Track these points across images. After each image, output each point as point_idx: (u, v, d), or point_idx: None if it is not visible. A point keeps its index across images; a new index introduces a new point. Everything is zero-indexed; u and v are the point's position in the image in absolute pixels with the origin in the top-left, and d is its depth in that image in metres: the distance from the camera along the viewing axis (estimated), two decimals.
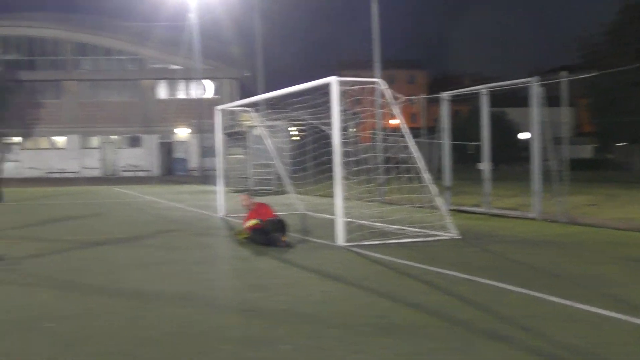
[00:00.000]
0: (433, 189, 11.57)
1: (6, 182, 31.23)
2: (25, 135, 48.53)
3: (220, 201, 16.29)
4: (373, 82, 12.22)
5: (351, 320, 5.84)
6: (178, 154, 51.23)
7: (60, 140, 51.16)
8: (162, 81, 52.27)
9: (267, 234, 10.53)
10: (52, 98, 50.96)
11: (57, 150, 50.66)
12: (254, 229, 10.71)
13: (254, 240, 10.60)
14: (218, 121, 16.73)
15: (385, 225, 12.34)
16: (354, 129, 16.96)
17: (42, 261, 9.45)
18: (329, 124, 13.01)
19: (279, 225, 10.70)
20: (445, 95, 16.64)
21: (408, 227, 12.05)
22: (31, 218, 16.67)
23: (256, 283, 7.61)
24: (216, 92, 51.69)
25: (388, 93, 11.39)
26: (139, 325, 5.78)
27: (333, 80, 10.66)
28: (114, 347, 5.12)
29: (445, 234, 11.44)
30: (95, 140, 51.33)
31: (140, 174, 49.08)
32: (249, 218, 10.92)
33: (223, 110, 17.08)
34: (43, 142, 50.49)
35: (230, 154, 27.93)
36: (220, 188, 16.52)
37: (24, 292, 7.38)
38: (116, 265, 9.02)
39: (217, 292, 7.19)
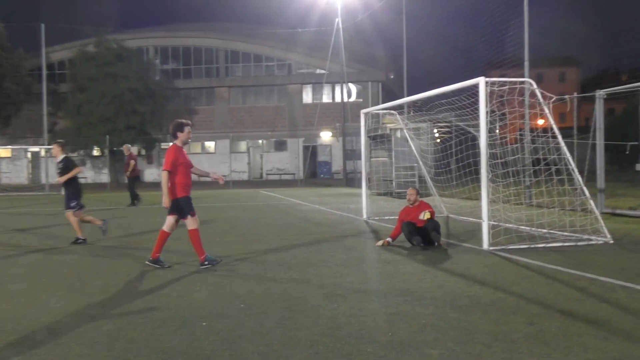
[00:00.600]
0: (585, 191, 11.03)
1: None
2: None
3: (364, 203, 16.38)
4: (522, 82, 11.84)
5: (500, 327, 5.68)
6: (322, 157, 52.11)
7: (211, 144, 53.52)
8: (308, 85, 53.38)
9: (427, 233, 10.67)
10: (205, 104, 53.54)
11: (208, 155, 53.03)
12: (410, 225, 10.87)
13: (410, 236, 10.72)
14: (363, 124, 16.82)
15: (533, 228, 11.91)
16: (500, 130, 16.48)
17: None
18: (475, 126, 12.81)
19: (438, 226, 10.81)
20: (601, 93, 15.80)
21: (558, 231, 11.59)
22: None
23: (401, 287, 7.59)
24: (360, 95, 52.11)
25: (537, 93, 11.00)
26: (288, 326, 5.93)
27: (481, 81, 10.44)
28: (265, 347, 5.29)
29: (598, 239, 10.90)
30: (243, 145, 53.27)
31: (286, 177, 50.42)
32: (409, 215, 11.11)
33: (368, 114, 17.16)
34: (195, 147, 52.96)
35: (374, 157, 28.07)
36: (364, 190, 16.62)
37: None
38: (266, 266, 9.31)
39: (362, 294, 7.23)
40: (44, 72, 43.15)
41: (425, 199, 12.00)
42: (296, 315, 6.30)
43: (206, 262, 9.19)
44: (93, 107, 44.33)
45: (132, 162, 22.85)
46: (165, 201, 9.02)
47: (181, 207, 9.15)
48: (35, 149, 46.40)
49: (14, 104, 46.01)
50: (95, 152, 47.86)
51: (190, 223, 9.20)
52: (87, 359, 5.08)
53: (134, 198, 22.65)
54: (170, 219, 9.28)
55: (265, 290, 7.50)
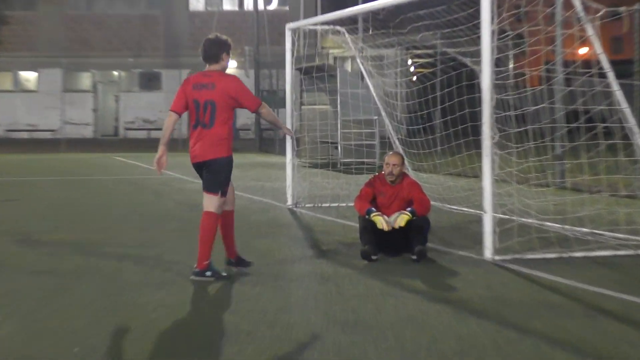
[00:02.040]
0: None
1: None
2: None
3: (289, 181, 16.40)
4: None
5: None
6: None
7: (31, 77, 52.65)
8: None
9: (401, 238, 10.68)
10: (21, 9, 52.53)
11: (26, 94, 52.40)
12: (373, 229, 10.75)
13: (371, 248, 10.60)
14: (289, 47, 16.78)
15: (565, 226, 12.12)
16: (516, 63, 16.67)
17: None
18: (474, 55, 12.91)
19: (425, 227, 10.87)
20: None
21: (606, 230, 11.82)
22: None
23: (348, 318, 7.61)
24: (282, 1, 52.12)
25: (578, 2, 11.14)
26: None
27: None
28: None
29: None
30: (86, 79, 52.61)
31: (157, 133, 50.08)
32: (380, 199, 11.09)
33: (297, 30, 17.12)
34: (4, 80, 52.06)
35: (307, 104, 28.12)
36: (290, 159, 16.60)
37: None
38: (123, 280, 9.25)
39: (281, 330, 7.23)
40: None
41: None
42: None
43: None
44: None
45: None
46: None
47: None
48: None
49: None
50: None
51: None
52: None
53: None
54: None
55: (124, 322, 7.44)
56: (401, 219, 10.39)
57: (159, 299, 8.40)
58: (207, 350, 6.66)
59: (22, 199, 18.12)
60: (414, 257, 10.52)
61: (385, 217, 10.50)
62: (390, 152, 11.45)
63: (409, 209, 10.55)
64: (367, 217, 10.63)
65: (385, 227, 10.42)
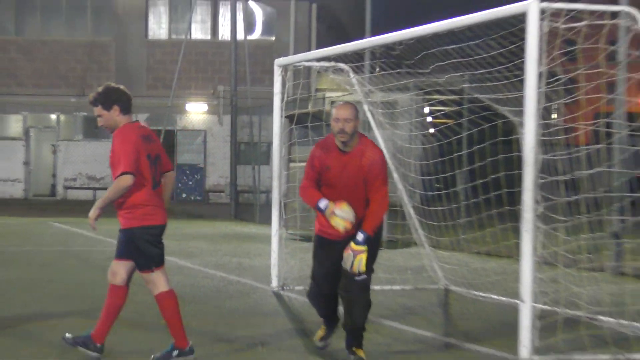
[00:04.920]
0: None
1: None
2: None
3: (275, 257, 16.50)
4: (621, 14, 12.18)
5: None
6: (186, 156, 52.11)
7: None
8: (160, 4, 53.39)
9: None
10: None
11: None
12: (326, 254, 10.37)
13: (319, 295, 10.64)
14: (277, 90, 16.95)
15: (623, 321, 12.23)
16: (565, 114, 16.80)
17: None
18: (515, 104, 13.09)
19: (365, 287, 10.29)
20: None
21: None
22: None
23: None
24: (270, 28, 52.47)
25: None
26: None
27: (531, 7, 10.69)
28: None
29: None
30: (15, 123, 52.80)
31: (104, 192, 50.07)
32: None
33: (288, 68, 17.30)
34: None
35: (298, 160, 28.29)
36: (276, 229, 16.74)
37: None
38: None
39: None
40: None
41: (404, 250, 12.24)
42: None
43: None
44: None
45: None
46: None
47: None
48: None
49: None
50: None
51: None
52: None
53: None
54: None
55: None
56: (360, 264, 9.69)
57: None
58: None
59: None
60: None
61: (341, 212, 9.77)
62: (340, 103, 10.56)
63: (360, 236, 9.75)
64: (321, 212, 9.94)
65: (346, 229, 9.79)
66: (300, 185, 10.24)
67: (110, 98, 10.22)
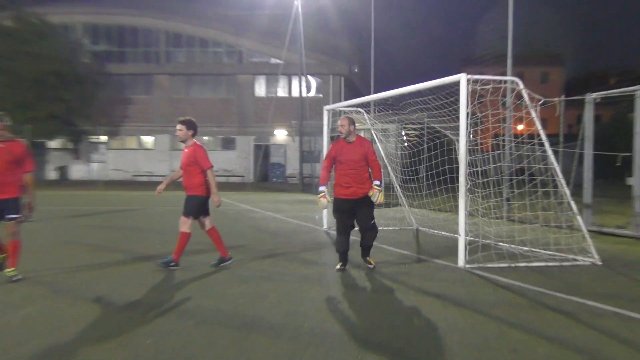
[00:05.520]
0: (572, 206, 11.31)
1: (91, 184, 32.70)
2: (112, 134, 50.47)
3: (325, 212, 16.47)
4: (507, 81, 12.08)
5: (481, 354, 5.84)
6: (275, 158, 52.08)
7: (149, 140, 52.97)
8: (260, 76, 53.27)
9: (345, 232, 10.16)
10: (142, 93, 52.91)
11: (145, 151, 52.52)
12: (346, 213, 10.08)
13: (343, 240, 10.16)
14: (325, 123, 16.93)
15: (513, 246, 12.16)
16: (477, 135, 16.74)
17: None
18: (452, 128, 13.00)
19: (373, 231, 10.21)
20: (593, 96, 16.16)
21: (541, 249, 11.86)
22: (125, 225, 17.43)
23: (370, 306, 7.71)
24: (320, 89, 52.24)
25: (525, 94, 11.23)
26: (244, 346, 6.00)
27: (462, 78, 10.61)
28: None
29: (585, 259, 11.18)
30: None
31: (234, 179, 50.25)
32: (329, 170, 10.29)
33: (331, 111, 17.27)
34: (131, 142, 52.41)
35: None
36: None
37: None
38: (216, 280, 9.35)
39: (326, 314, 7.31)
40: None
41: (393, 209, 12.11)
42: (253, 334, 6.36)
43: (172, 263, 10.12)
44: (9, 91, 43.51)
45: None
46: (218, 201, 10.43)
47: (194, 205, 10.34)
48: None
49: None
50: None
51: (187, 226, 10.24)
52: None
53: None
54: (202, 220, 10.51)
55: (216, 308, 7.54)
56: (380, 197, 9.78)
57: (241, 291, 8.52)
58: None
59: (157, 225, 18.26)
60: (370, 265, 10.28)
61: (324, 200, 9.99)
62: (341, 117, 10.72)
63: (376, 182, 9.85)
64: (319, 192, 10.04)
65: (320, 207, 10.24)
66: (322, 166, 10.28)
67: (192, 124, 10.43)
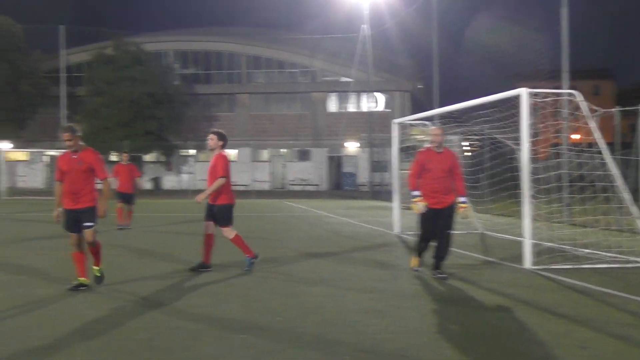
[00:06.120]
0: (634, 210, 10.92)
1: (181, 193, 33.26)
2: (199, 148, 51.26)
3: (396, 217, 16.36)
4: (568, 94, 11.78)
5: (552, 350, 5.66)
6: (347, 168, 52.09)
7: (232, 153, 53.58)
8: (332, 94, 53.44)
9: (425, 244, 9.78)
10: (225, 111, 53.68)
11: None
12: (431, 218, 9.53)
13: (426, 239, 9.72)
14: (395, 135, 16.83)
15: (576, 248, 11.82)
16: (536, 145, 16.40)
17: (227, 274, 10.01)
18: (514, 139, 12.77)
19: (447, 242, 9.62)
20: None
21: (603, 251, 11.50)
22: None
23: (442, 305, 7.60)
24: (387, 105, 52.05)
25: (583, 106, 10.93)
26: (329, 341, 5.97)
27: (523, 92, 10.42)
28: None
29: None
30: (265, 154, 53.36)
31: (309, 188, 50.47)
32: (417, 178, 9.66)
33: (399, 124, 17.15)
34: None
35: (401, 169, 27.96)
36: (395, 204, 16.61)
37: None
38: (299, 279, 9.35)
39: (402, 311, 7.23)
40: (63, 75, 43.78)
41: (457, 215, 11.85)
42: (335, 330, 6.33)
43: (252, 260, 10.17)
44: (110, 111, 44.99)
45: None
46: (202, 197, 10.08)
47: (225, 214, 10.13)
48: (53, 152, 46.93)
49: (30, 106, 46.72)
50: (113, 157, 48.29)
51: (231, 232, 10.15)
52: None
53: None
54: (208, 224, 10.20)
55: (301, 304, 7.54)
56: (468, 213, 9.54)
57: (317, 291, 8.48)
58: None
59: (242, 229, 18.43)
60: (442, 275, 9.47)
61: (421, 204, 9.40)
62: (433, 127, 10.20)
63: (463, 199, 9.51)
64: (413, 196, 9.49)
65: (416, 211, 9.54)
66: (410, 173, 9.69)
67: (223, 136, 10.14)
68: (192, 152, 50.97)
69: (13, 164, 48.49)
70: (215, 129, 10.45)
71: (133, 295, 8.11)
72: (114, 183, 16.77)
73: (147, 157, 49.90)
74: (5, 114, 45.89)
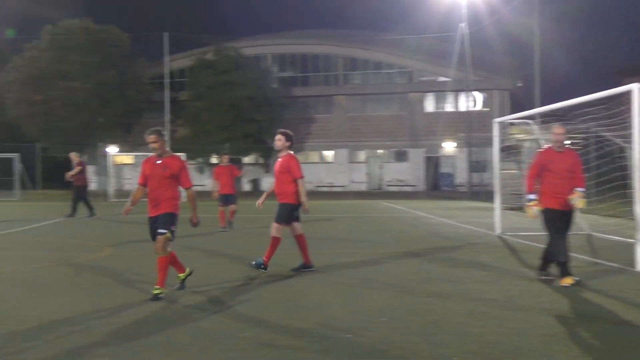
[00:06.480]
0: None
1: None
2: (298, 150, 51.72)
3: (497, 218, 16.07)
4: None
5: None
6: (445, 168, 51.49)
7: (329, 154, 53.99)
8: (429, 94, 52.97)
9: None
10: (322, 113, 54.08)
11: (326, 164, 53.53)
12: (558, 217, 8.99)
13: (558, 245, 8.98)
14: (495, 134, 16.52)
15: None
16: None
17: (337, 268, 10.10)
18: (624, 136, 12.31)
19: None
20: None
21: None
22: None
23: (551, 306, 7.42)
24: (485, 104, 51.16)
25: None
26: (435, 342, 5.94)
27: (635, 88, 10.03)
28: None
29: None
30: (362, 155, 53.39)
31: (406, 188, 50.17)
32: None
33: (498, 123, 16.83)
34: (313, 156, 53.64)
35: (501, 169, 27.45)
36: (497, 205, 16.31)
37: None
38: (401, 280, 9.33)
39: (508, 313, 7.11)
40: (167, 81, 45.34)
41: None
42: (441, 331, 6.29)
43: (262, 266, 9.85)
44: (211, 115, 46.31)
45: (79, 167, 21.55)
46: (307, 205, 10.03)
47: (285, 212, 10.04)
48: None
49: (135, 111, 48.58)
50: (214, 160, 49.55)
51: (278, 231, 10.01)
52: None
53: (90, 209, 21.85)
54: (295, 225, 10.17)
55: (405, 305, 7.53)
56: (582, 202, 8.86)
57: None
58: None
59: (340, 230, 18.53)
60: (548, 277, 9.17)
61: (535, 209, 9.00)
62: (556, 125, 9.36)
63: (581, 189, 8.93)
64: (529, 199, 9.08)
65: (530, 216, 9.20)
66: (528, 174, 9.32)
67: (290, 137, 10.14)
68: None
69: (120, 167, 50.40)
70: (282, 129, 10.39)
71: (242, 296, 8.31)
72: (215, 185, 17.17)
73: (246, 159, 50.87)
74: (113, 119, 47.87)
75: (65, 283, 9.20)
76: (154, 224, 8.05)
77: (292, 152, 10.20)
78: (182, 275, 8.45)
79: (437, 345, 5.81)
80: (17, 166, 37.97)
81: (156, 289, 7.91)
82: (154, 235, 8.05)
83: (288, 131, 10.26)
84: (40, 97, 45.58)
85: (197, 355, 5.58)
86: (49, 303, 7.77)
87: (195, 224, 8.22)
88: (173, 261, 8.28)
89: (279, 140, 10.12)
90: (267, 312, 7.18)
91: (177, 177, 8.08)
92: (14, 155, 37.61)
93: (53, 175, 22.53)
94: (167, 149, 8.23)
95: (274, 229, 9.97)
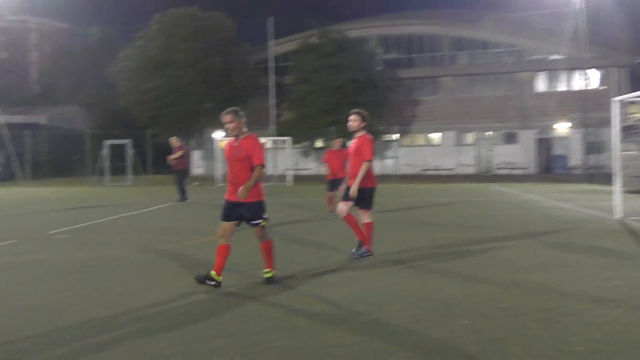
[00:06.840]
0: None
1: (386, 178, 33.70)
2: (403, 132, 51.42)
3: (618, 201, 15.39)
4: None
5: None
6: (557, 150, 49.84)
7: (436, 136, 53.34)
8: (541, 73, 51.33)
9: None
10: (428, 94, 53.41)
11: (433, 147, 52.88)
12: None
13: None
14: (615, 114, 15.79)
15: None
16: None
17: (443, 256, 9.98)
18: None
19: None
20: None
21: None
22: (427, 214, 17.68)
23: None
24: (602, 82, 49.11)
25: None
26: (557, 329, 5.75)
27: None
28: (536, 351, 5.16)
29: None
30: (470, 137, 52.44)
31: (516, 171, 48.95)
32: None
33: (618, 102, 16.07)
34: (419, 139, 53.16)
35: (621, 150, 26.31)
36: (617, 187, 15.62)
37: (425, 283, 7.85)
38: (517, 265, 9.09)
39: (636, 301, 6.79)
40: (271, 65, 45.98)
41: None
42: (563, 319, 6.08)
43: (365, 253, 9.69)
44: (315, 98, 46.60)
45: (180, 152, 21.82)
46: (355, 189, 9.62)
47: (366, 198, 9.77)
48: (262, 140, 49.46)
49: (241, 97, 49.59)
50: (319, 143, 49.93)
51: (369, 216, 9.82)
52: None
53: (183, 193, 22.02)
54: (344, 206, 9.85)
55: (522, 291, 7.32)
56: None
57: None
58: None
59: (450, 214, 18.31)
60: None
61: None
62: None
63: None
64: None
65: None
66: None
67: (365, 117, 9.87)
68: (396, 136, 51.21)
69: None
70: (357, 109, 10.08)
71: (352, 282, 8.33)
72: (325, 169, 17.27)
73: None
74: (219, 105, 48.97)
75: (175, 267, 9.50)
76: (234, 210, 7.69)
77: (366, 132, 9.95)
78: (268, 272, 7.96)
79: (559, 332, 5.62)
80: (129, 152, 39.57)
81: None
82: (227, 216, 7.73)
83: (363, 111, 10.03)
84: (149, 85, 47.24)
85: (313, 338, 5.62)
86: (160, 287, 8.02)
87: (241, 197, 7.42)
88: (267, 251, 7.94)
89: (354, 121, 9.84)
90: (378, 297, 7.16)
91: (251, 157, 7.58)
92: (126, 142, 39.19)
93: (163, 161, 23.67)
94: (245, 129, 7.77)
95: (364, 216, 9.81)
